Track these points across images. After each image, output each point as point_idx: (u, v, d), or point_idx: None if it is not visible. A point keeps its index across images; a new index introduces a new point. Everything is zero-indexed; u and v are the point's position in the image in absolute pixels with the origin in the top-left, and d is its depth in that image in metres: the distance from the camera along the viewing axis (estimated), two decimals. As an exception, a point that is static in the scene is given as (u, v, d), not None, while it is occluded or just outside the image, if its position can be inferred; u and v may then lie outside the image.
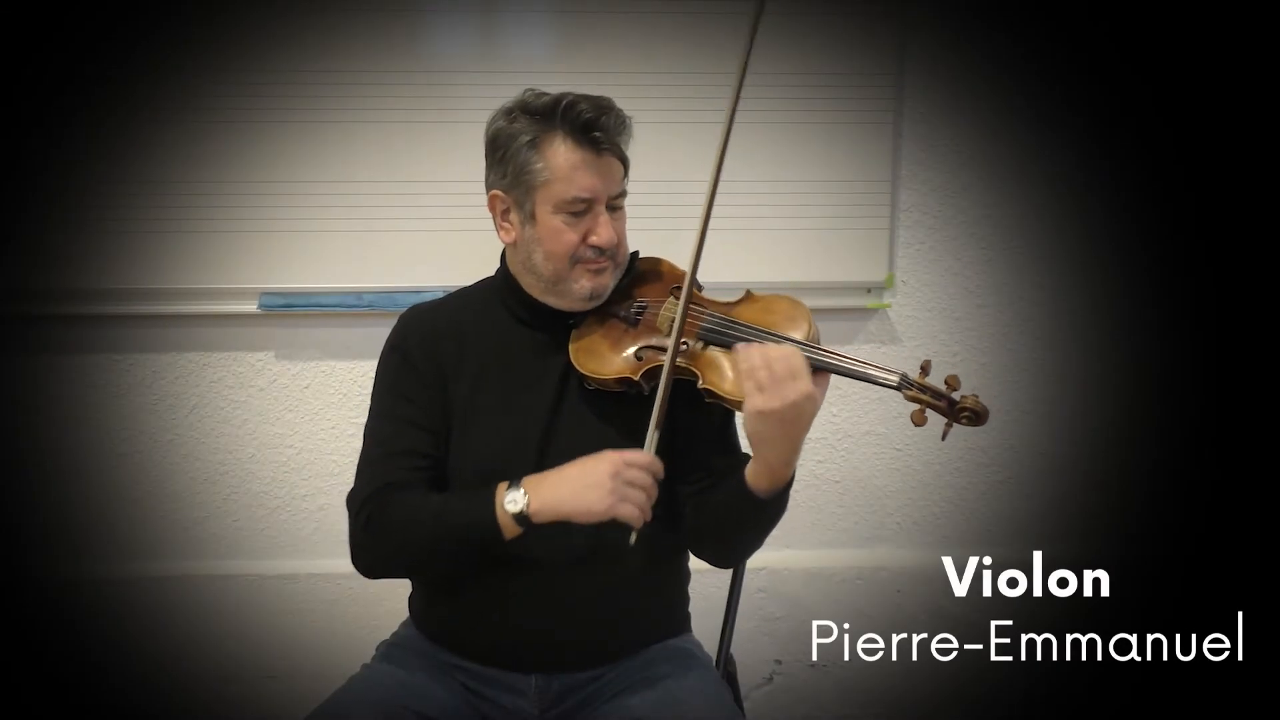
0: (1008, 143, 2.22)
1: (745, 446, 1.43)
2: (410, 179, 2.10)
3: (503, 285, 1.56)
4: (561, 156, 1.44)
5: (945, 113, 2.21)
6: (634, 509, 1.37)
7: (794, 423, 1.33)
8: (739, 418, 1.50)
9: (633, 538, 1.39)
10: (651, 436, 1.40)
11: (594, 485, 1.37)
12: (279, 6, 2.05)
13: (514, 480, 1.41)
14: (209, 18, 2.03)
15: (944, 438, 1.41)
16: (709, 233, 1.45)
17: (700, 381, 1.43)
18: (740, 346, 1.38)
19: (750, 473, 1.39)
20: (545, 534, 1.41)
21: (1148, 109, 2.20)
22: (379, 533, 1.46)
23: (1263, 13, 2.16)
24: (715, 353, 1.44)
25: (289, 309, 2.14)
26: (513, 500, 1.39)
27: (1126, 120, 2.21)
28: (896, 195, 2.22)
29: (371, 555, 1.49)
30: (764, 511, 1.42)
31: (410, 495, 1.46)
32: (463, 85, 2.06)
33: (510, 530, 1.40)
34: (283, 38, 2.05)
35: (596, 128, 1.43)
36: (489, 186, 1.51)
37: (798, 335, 1.42)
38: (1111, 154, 2.23)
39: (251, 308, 2.14)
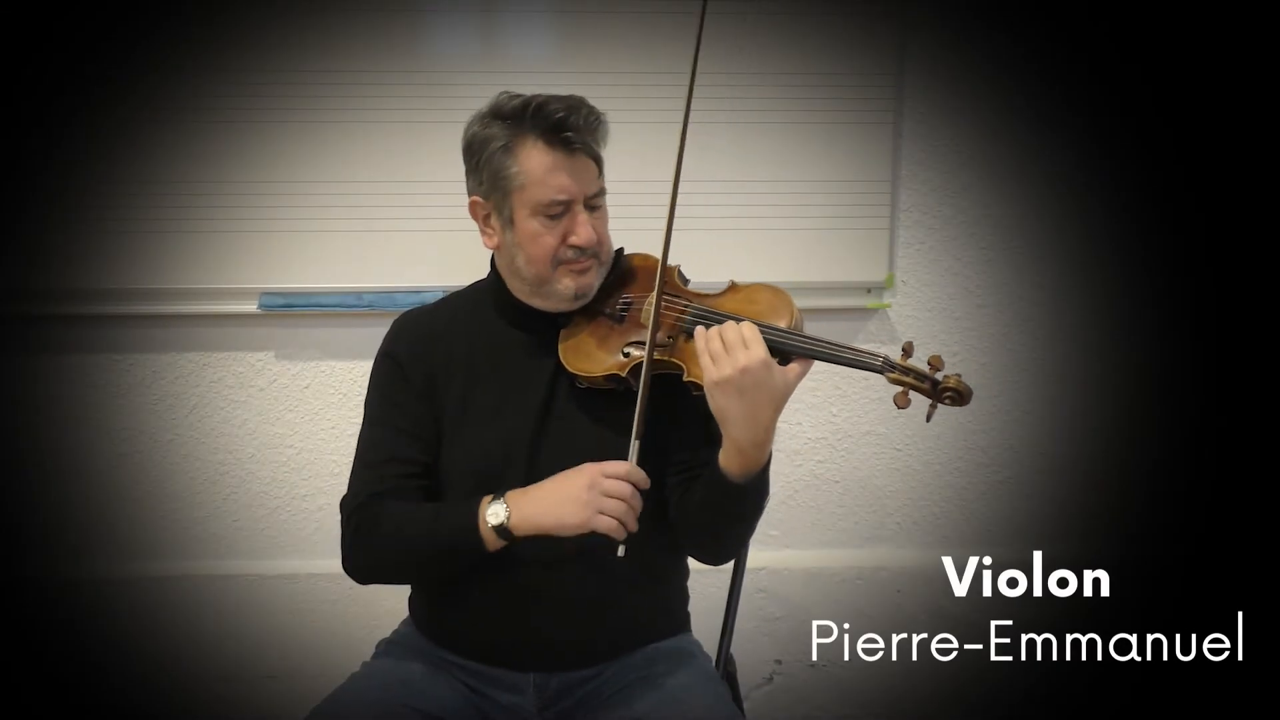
0: (1008, 143, 2.22)
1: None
2: (410, 179, 2.10)
3: (492, 288, 1.56)
4: (535, 160, 1.43)
5: (945, 113, 2.20)
6: (611, 521, 1.36)
7: (752, 393, 1.32)
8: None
9: (620, 550, 1.38)
10: (633, 446, 1.39)
11: (569, 499, 1.38)
12: (279, 6, 2.05)
13: (499, 492, 1.42)
14: (209, 18, 2.03)
15: (929, 419, 1.39)
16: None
17: (685, 375, 1.42)
18: (699, 329, 1.37)
19: (721, 455, 1.39)
20: (541, 534, 1.41)
21: (1148, 109, 2.20)
22: (368, 543, 1.47)
23: (1263, 13, 2.16)
24: None
25: (289, 309, 2.14)
26: (494, 513, 1.40)
27: (1126, 120, 2.21)
28: (896, 195, 2.21)
29: (361, 563, 1.51)
30: (740, 499, 1.40)
31: (399, 506, 1.47)
32: (463, 85, 2.05)
33: (493, 543, 1.41)
34: (283, 38, 2.05)
35: (567, 127, 1.42)
36: (469, 193, 1.51)
37: (781, 324, 1.41)
38: (1111, 154, 2.22)
39: (251, 308, 2.14)
